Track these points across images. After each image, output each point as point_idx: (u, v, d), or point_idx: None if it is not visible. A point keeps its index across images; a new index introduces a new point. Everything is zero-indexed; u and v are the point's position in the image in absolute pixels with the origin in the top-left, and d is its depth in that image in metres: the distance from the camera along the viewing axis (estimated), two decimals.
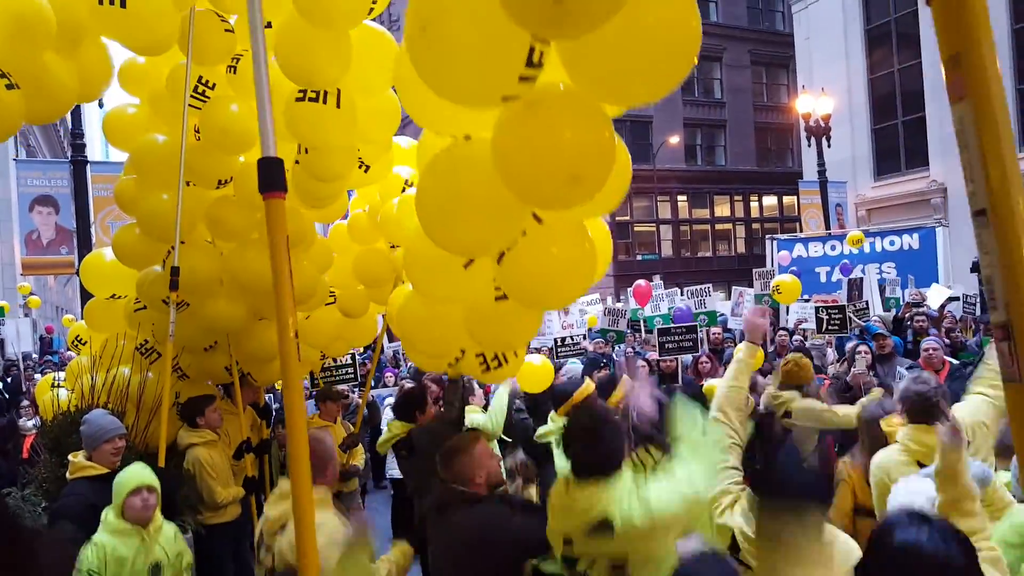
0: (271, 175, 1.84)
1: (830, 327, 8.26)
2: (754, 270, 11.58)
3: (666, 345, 7.07)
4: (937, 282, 13.87)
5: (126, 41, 3.55)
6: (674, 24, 2.02)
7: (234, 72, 3.88)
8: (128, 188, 4.42)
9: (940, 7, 0.80)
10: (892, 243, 15.41)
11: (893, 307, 11.35)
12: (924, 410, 3.07)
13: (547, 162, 2.13)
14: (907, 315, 9.55)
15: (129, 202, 4.41)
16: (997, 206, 0.74)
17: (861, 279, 12.29)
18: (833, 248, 15.44)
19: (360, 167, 4.21)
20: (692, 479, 2.46)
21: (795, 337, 9.63)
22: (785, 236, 16.61)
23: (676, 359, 7.24)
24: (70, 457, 3.80)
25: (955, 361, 6.44)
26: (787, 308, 10.51)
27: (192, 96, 3.84)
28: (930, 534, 1.57)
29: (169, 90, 3.97)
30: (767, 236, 17.56)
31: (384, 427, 7.11)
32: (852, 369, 5.70)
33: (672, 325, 7.71)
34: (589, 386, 4.43)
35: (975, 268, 17.91)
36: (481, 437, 3.16)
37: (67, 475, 3.76)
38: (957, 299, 11.12)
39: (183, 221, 3.97)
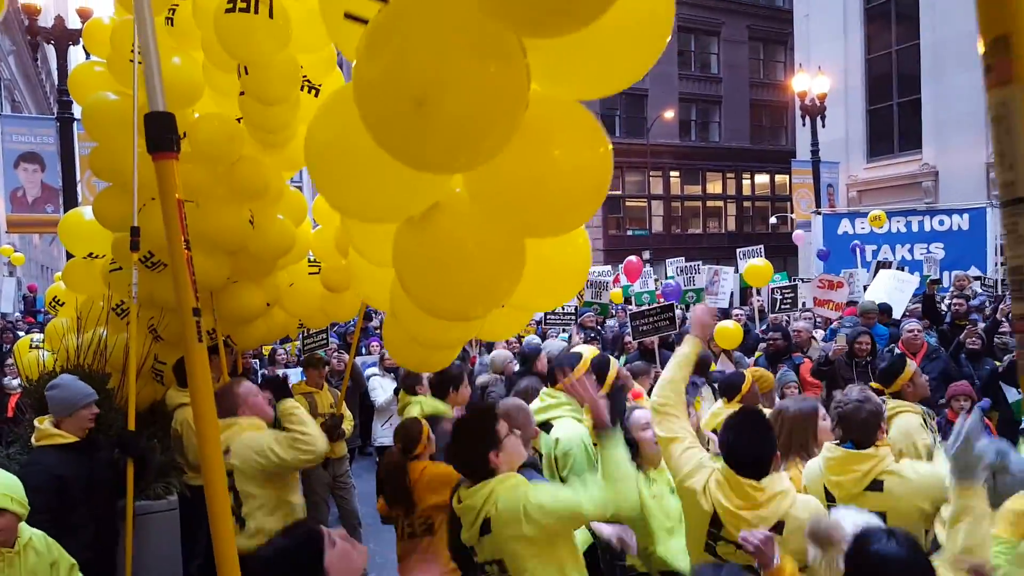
0: (161, 132, 1.61)
1: (782, 307, 8.35)
2: (738, 249, 11.56)
3: (640, 328, 6.76)
4: (985, 263, 13.61)
5: None
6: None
7: (171, 24, 3.73)
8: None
9: None
10: (941, 223, 15.09)
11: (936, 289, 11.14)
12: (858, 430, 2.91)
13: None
14: (935, 294, 9.39)
15: (99, 164, 4.27)
16: None
17: (891, 262, 11.92)
18: (882, 226, 15.12)
19: (308, 91, 4.03)
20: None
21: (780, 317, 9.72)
22: (828, 211, 16.12)
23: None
24: (36, 423, 3.64)
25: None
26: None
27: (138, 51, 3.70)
28: (898, 543, 1.87)
29: (114, 47, 3.83)
30: (816, 211, 16.49)
31: (372, 392, 7.19)
32: (834, 345, 6.48)
33: (645, 307, 7.62)
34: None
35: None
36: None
37: (32, 440, 3.64)
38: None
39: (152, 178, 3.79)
